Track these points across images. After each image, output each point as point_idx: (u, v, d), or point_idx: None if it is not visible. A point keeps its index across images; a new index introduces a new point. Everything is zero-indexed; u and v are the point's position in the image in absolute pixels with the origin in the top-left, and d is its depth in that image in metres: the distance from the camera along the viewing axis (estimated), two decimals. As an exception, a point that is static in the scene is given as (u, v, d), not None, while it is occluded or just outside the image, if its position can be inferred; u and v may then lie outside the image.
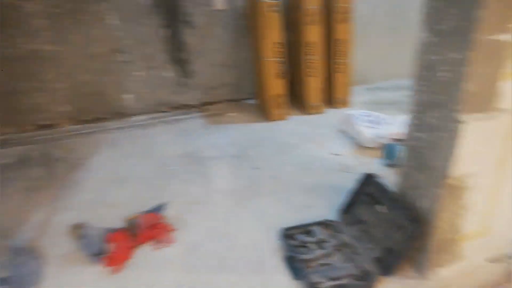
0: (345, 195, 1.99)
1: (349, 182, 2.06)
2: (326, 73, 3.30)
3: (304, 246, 1.84)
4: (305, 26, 3.02)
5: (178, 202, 2.29)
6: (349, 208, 1.95)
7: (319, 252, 1.80)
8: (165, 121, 3.45)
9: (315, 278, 1.65)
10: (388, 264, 1.62)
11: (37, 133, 3.35)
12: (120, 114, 3.52)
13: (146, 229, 2.00)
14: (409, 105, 1.61)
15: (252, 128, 3.21)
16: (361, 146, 2.75)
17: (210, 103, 3.70)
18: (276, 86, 3.17)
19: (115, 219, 2.11)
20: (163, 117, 3.54)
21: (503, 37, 1.23)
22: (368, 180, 1.88)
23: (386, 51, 3.91)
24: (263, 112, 3.41)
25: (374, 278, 1.61)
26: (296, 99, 3.50)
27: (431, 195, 1.52)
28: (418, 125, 1.56)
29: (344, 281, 1.63)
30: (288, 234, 1.90)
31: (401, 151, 2.28)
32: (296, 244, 1.85)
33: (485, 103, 1.34)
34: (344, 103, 3.44)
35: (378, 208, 1.78)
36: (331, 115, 3.30)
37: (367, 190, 1.88)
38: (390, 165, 2.46)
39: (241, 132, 3.14)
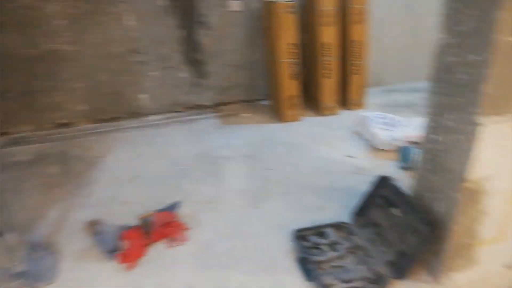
0: (358, 197, 1.97)
1: (363, 185, 2.04)
2: (341, 74, 3.29)
3: (317, 248, 1.83)
4: (321, 27, 3.01)
5: (192, 201, 2.31)
6: (362, 210, 1.94)
7: (331, 254, 1.79)
8: (179, 121, 3.48)
9: (327, 280, 1.64)
10: (402, 267, 1.60)
11: (55, 131, 3.41)
12: (135, 113, 3.56)
13: (160, 227, 2.02)
14: (426, 107, 1.59)
15: (266, 129, 3.21)
16: (375, 149, 2.72)
17: (224, 104, 3.71)
18: (290, 87, 3.17)
19: (129, 216, 2.14)
20: (178, 117, 3.57)
21: (524, 38, 1.21)
22: (383, 182, 1.86)
23: (402, 53, 3.87)
24: (277, 113, 3.41)
25: (387, 281, 1.60)
26: (310, 100, 3.49)
27: (448, 198, 1.50)
28: (435, 127, 1.55)
29: (356, 284, 1.62)
30: (301, 235, 1.89)
31: (416, 154, 2.27)
32: (308, 245, 1.84)
33: (504, 105, 1.31)
34: (358, 105, 3.42)
35: (393, 211, 1.76)
36: (346, 117, 3.29)
37: (382, 192, 1.86)
38: (405, 168, 2.43)
39: (254, 133, 3.15)
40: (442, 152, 1.51)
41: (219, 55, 3.51)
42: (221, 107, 3.68)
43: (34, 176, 2.72)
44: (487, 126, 1.30)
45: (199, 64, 3.52)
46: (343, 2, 3.06)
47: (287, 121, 3.27)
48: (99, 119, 3.51)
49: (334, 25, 3.04)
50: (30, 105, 3.34)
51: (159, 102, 3.58)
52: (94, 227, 2.08)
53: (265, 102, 3.72)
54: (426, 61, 1.90)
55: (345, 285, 1.62)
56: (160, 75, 3.47)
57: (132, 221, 2.10)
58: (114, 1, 3.11)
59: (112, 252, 1.90)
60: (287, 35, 2.98)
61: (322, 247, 1.83)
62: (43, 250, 1.95)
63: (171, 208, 2.21)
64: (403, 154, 2.48)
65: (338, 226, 1.95)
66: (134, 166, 2.77)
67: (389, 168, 2.47)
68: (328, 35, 3.05)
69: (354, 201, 2.01)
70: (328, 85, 3.24)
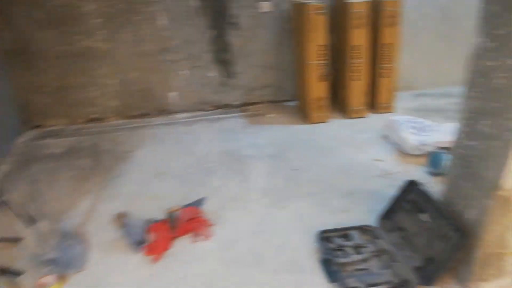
0: (384, 201, 1.95)
1: (390, 189, 2.02)
2: (370, 77, 3.25)
3: (341, 250, 1.82)
4: (352, 29, 2.99)
5: (217, 198, 2.34)
6: (389, 214, 1.91)
7: (356, 256, 1.77)
8: (206, 119, 3.53)
9: (351, 282, 1.63)
10: (429, 273, 1.57)
11: (87, 125, 3.52)
12: (164, 111, 3.63)
13: (185, 222, 2.05)
14: (459, 113, 1.56)
15: (292, 130, 3.21)
16: (404, 153, 2.67)
17: (251, 104, 3.73)
18: (318, 88, 3.16)
19: (156, 210, 2.19)
20: (205, 115, 3.61)
21: None
22: (411, 187, 1.83)
23: (434, 57, 3.78)
24: (304, 114, 3.40)
25: (414, 287, 1.57)
26: (338, 102, 3.47)
27: (480, 206, 1.46)
28: (468, 133, 1.51)
29: (381, 288, 1.60)
30: (325, 237, 1.88)
31: (447, 160, 2.21)
32: (333, 247, 1.83)
33: (543, 112, 1.27)
34: (387, 108, 3.36)
35: (421, 216, 1.73)
36: (374, 120, 3.24)
37: (410, 197, 1.83)
38: (435, 174, 2.38)
39: (280, 133, 3.15)
40: (475, 158, 1.47)
41: (247, 56, 3.54)
42: (248, 107, 3.70)
43: (66, 168, 2.81)
44: (524, 132, 1.27)
45: (227, 64, 3.55)
46: (375, 4, 3.03)
47: (314, 122, 3.26)
48: (129, 115, 3.60)
49: (365, 28, 3.01)
50: (64, 100, 3.46)
51: (187, 100, 3.63)
52: (122, 220, 2.14)
53: (292, 103, 3.71)
54: (459, 65, 1.85)
55: (369, 288, 1.60)
56: (189, 74, 3.53)
57: (159, 215, 2.14)
58: (148, 1, 3.19)
59: (139, 244, 1.95)
60: (317, 37, 2.97)
61: (347, 249, 1.81)
62: (73, 239, 2.01)
63: (197, 204, 2.24)
64: (432, 159, 2.42)
65: (363, 229, 1.93)
66: (161, 162, 2.82)
67: (417, 173, 2.42)
68: (359, 37, 3.02)
69: (379, 205, 1.99)
70: (357, 88, 3.21)
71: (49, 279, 1.75)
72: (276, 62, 3.61)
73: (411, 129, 2.71)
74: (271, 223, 2.10)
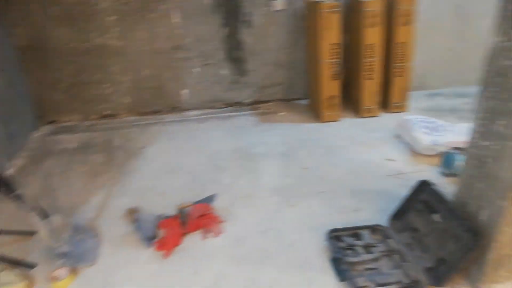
0: (395, 201, 1.93)
1: (401, 189, 2.00)
2: (383, 76, 3.22)
3: (351, 249, 1.81)
4: (366, 28, 2.96)
5: (227, 195, 2.35)
6: (400, 214, 1.89)
7: (366, 256, 1.76)
8: (218, 117, 3.54)
9: (361, 282, 1.62)
10: (440, 274, 1.55)
11: (100, 121, 3.56)
12: (176, 108, 3.66)
13: (196, 218, 2.06)
14: (474, 112, 1.53)
15: (303, 128, 3.20)
16: (416, 153, 2.65)
17: (263, 102, 3.73)
18: (330, 87, 3.14)
19: (167, 206, 2.21)
20: (216, 113, 3.62)
21: None
22: (423, 187, 1.81)
23: (448, 56, 3.73)
24: (315, 112, 3.39)
25: (424, 288, 1.56)
26: (350, 101, 3.45)
27: (493, 207, 1.44)
28: (483, 133, 1.49)
29: (391, 288, 1.59)
30: (335, 236, 1.88)
31: (460, 160, 2.18)
32: (343, 246, 1.82)
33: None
34: (400, 108, 3.33)
35: (433, 216, 1.71)
36: (386, 119, 3.21)
37: (422, 197, 1.81)
38: (447, 174, 2.35)
39: (291, 132, 3.15)
40: (490, 159, 1.45)
41: (260, 54, 3.54)
42: (259, 105, 3.70)
43: (79, 163, 2.85)
44: (541, 133, 1.24)
45: (240, 62, 3.56)
46: (389, 3, 3.00)
47: (326, 121, 3.25)
48: (142, 112, 3.63)
49: (379, 26, 2.98)
50: (78, 96, 3.50)
51: (199, 98, 3.65)
52: (133, 215, 2.16)
53: (304, 102, 3.70)
54: (474, 65, 1.83)
55: (379, 288, 1.59)
56: (201, 71, 3.54)
57: (170, 210, 2.16)
58: (162, -2, 3.22)
59: (150, 239, 1.97)
60: (330, 35, 2.96)
61: (357, 248, 1.80)
62: (85, 233, 2.04)
63: (208, 200, 2.25)
64: (445, 159, 2.40)
65: (373, 229, 1.92)
66: (173, 158, 2.84)
67: (430, 173, 2.40)
68: (373, 36, 3.00)
69: (390, 205, 1.97)
70: (370, 87, 3.18)
71: (61, 272, 1.78)
72: (288, 60, 3.61)
73: (424, 129, 2.68)
74: (281, 221, 2.10)
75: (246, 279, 1.74)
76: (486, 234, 1.47)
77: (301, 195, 2.31)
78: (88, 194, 2.46)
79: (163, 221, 2.05)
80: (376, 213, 2.08)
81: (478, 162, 1.53)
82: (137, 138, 3.21)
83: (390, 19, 3.03)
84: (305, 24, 3.40)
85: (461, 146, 2.38)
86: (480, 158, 1.51)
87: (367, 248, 1.81)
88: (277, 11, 3.36)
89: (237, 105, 3.72)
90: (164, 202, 2.28)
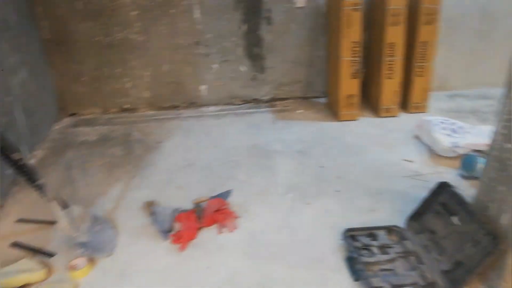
0: (413, 202, 1.91)
1: (419, 190, 1.98)
2: (404, 75, 3.17)
3: (367, 249, 1.80)
4: (388, 26, 2.92)
5: (243, 191, 2.35)
6: (417, 216, 1.87)
7: (381, 256, 1.75)
8: (235, 113, 3.55)
9: (376, 282, 1.61)
10: (457, 278, 1.53)
11: (120, 115, 3.61)
12: (194, 103, 3.68)
13: (212, 213, 2.08)
14: (497, 114, 1.50)
15: (321, 127, 3.18)
16: (436, 154, 2.60)
17: (280, 99, 3.72)
18: (349, 86, 3.11)
19: (183, 200, 2.24)
20: (234, 109, 3.63)
21: None
22: (443, 189, 1.78)
23: (471, 57, 3.65)
24: (333, 111, 3.37)
25: (440, 291, 1.54)
26: (368, 100, 3.41)
27: (515, 210, 1.41)
28: (506, 135, 1.45)
29: (407, 289, 1.57)
30: (351, 235, 1.87)
31: (481, 163, 2.14)
32: (358, 245, 1.81)
33: None
34: (420, 108, 3.28)
35: (452, 219, 1.69)
36: (406, 120, 3.17)
37: (441, 199, 1.78)
38: (467, 177, 2.31)
39: (309, 130, 3.13)
40: (513, 161, 1.42)
41: (279, 51, 3.53)
42: (277, 102, 3.70)
43: (98, 156, 2.91)
44: None
45: (258, 58, 3.55)
46: (413, 1, 2.95)
47: (344, 120, 3.22)
48: (160, 107, 3.67)
49: (401, 25, 2.94)
50: (99, 90, 3.56)
51: (217, 94, 3.67)
52: (150, 208, 2.20)
53: (322, 100, 3.68)
54: (498, 66, 1.79)
55: (394, 289, 1.58)
56: (220, 67, 3.55)
57: (186, 204, 2.18)
58: (184, -6, 3.24)
59: (166, 232, 2.00)
60: (351, 33, 2.93)
61: (372, 248, 1.79)
62: (103, 224, 2.08)
63: (224, 196, 2.27)
64: (465, 162, 2.35)
65: (390, 230, 1.90)
66: (190, 153, 2.86)
67: (449, 175, 2.36)
68: (395, 34, 2.95)
69: (407, 206, 1.95)
70: (390, 86, 3.14)
71: (80, 261, 1.82)
72: (307, 58, 3.59)
73: (444, 130, 2.63)
74: (296, 219, 2.10)
75: (260, 275, 1.75)
76: (506, 238, 1.44)
77: (317, 193, 2.31)
78: (107, 186, 2.50)
79: (180, 214, 2.08)
80: (392, 214, 2.06)
81: (500, 165, 1.49)
82: (155, 132, 3.25)
83: (413, 17, 2.98)
84: (326, 21, 3.38)
85: (482, 148, 2.33)
86: (502, 161, 1.48)
87: (383, 248, 1.79)
88: (298, 8, 3.35)
89: (255, 102, 3.72)
90: (180, 196, 2.31)
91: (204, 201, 2.19)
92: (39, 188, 1.81)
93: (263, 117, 3.45)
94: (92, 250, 1.91)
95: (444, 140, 2.55)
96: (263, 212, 2.17)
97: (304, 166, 2.61)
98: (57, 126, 3.42)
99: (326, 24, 3.40)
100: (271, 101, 3.72)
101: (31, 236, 2.05)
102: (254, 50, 3.51)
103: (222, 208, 2.13)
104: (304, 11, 3.37)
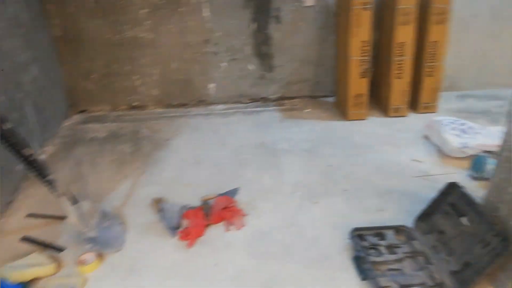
0: (421, 203, 1.89)
1: (427, 190, 1.97)
2: (414, 75, 3.15)
3: (374, 249, 1.79)
4: (398, 25, 2.91)
5: (250, 189, 2.36)
6: (426, 216, 1.86)
7: (389, 256, 1.75)
8: (243, 112, 3.55)
9: (383, 281, 1.60)
10: (466, 278, 1.52)
11: (128, 112, 3.64)
12: (202, 101, 3.69)
13: (220, 210, 2.09)
14: (508, 115, 1.49)
15: (329, 126, 3.17)
16: (445, 155, 2.59)
17: (288, 98, 3.72)
18: (358, 85, 3.10)
19: (191, 197, 2.25)
20: (242, 107, 3.64)
21: None
22: (452, 189, 1.77)
23: (482, 57, 3.61)
24: (341, 110, 3.36)
25: (449, 292, 1.53)
26: (378, 100, 3.39)
27: (525, 212, 1.39)
28: (516, 135, 1.44)
29: (414, 289, 1.57)
30: (358, 234, 1.86)
31: (491, 164, 2.13)
32: (366, 245, 1.81)
33: None
34: (429, 108, 3.25)
35: (461, 219, 1.67)
36: (414, 120, 3.15)
37: (450, 200, 1.77)
38: (477, 178, 2.29)
39: (317, 129, 3.13)
40: (523, 162, 1.41)
41: (287, 50, 3.52)
42: (285, 101, 3.70)
43: (107, 152, 2.93)
44: None
45: (267, 57, 3.56)
46: (424, 0, 2.93)
47: (352, 119, 3.21)
48: (169, 104, 3.69)
49: (411, 24, 2.92)
50: (109, 87, 3.59)
51: (225, 92, 3.67)
52: (158, 204, 2.21)
53: (330, 99, 3.67)
54: (509, 67, 1.77)
55: (402, 289, 1.57)
56: (229, 66, 3.56)
57: (194, 202, 2.19)
58: (194, -8, 3.25)
59: (174, 229, 2.01)
60: (361, 32, 2.92)
61: (380, 248, 1.79)
62: (112, 220, 2.10)
63: (231, 193, 2.27)
64: (475, 162, 2.33)
65: (398, 229, 1.89)
66: (197, 151, 2.88)
67: (458, 176, 2.33)
68: (405, 34, 2.94)
69: (416, 206, 1.94)
70: (399, 86, 3.12)
71: (89, 256, 1.84)
72: (316, 57, 3.58)
73: (453, 131, 2.61)
74: (304, 217, 2.10)
75: (267, 273, 1.76)
76: (516, 239, 1.43)
77: (325, 192, 2.30)
78: (116, 182, 2.52)
79: (187, 211, 2.09)
80: (400, 213, 2.05)
81: (510, 166, 1.48)
82: (163, 130, 3.26)
83: (424, 17, 2.96)
84: (336, 20, 3.37)
85: (492, 149, 2.31)
86: (513, 162, 1.47)
87: (391, 248, 1.79)
88: (307, 7, 3.34)
89: (263, 100, 3.72)
90: (188, 193, 2.32)
91: (212, 198, 2.20)
92: (49, 183, 1.83)
93: (271, 115, 3.45)
94: (101, 245, 1.93)
95: (454, 140, 2.53)
96: (271, 210, 2.17)
97: (312, 165, 2.61)
98: (67, 123, 3.46)
99: (335, 23, 3.39)
100: (279, 100, 3.72)
101: (41, 230, 2.08)
102: (263, 49, 3.51)
103: (230, 206, 2.14)
104: (313, 10, 3.37)
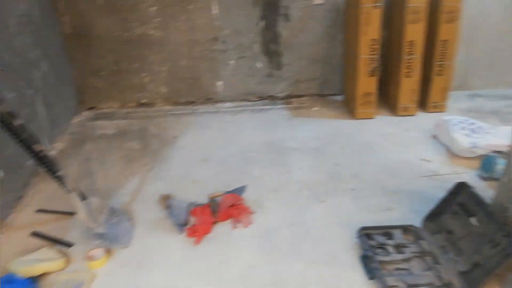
0: (430, 202, 1.88)
1: (436, 190, 1.96)
2: (423, 74, 3.12)
3: (382, 248, 1.78)
4: (408, 24, 2.88)
5: (258, 187, 2.36)
6: (434, 216, 1.85)
7: (397, 256, 1.74)
8: (251, 110, 3.55)
9: (391, 281, 1.60)
10: (474, 279, 1.51)
11: (137, 109, 3.66)
12: (210, 99, 3.70)
13: (227, 208, 2.09)
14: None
15: (337, 124, 3.16)
16: (454, 155, 2.57)
17: (296, 96, 3.72)
18: (367, 83, 3.09)
19: (198, 194, 2.26)
20: (250, 105, 3.64)
21: None
22: (461, 189, 1.76)
23: (493, 57, 3.57)
24: (349, 109, 3.35)
25: (457, 292, 1.52)
26: (386, 99, 3.38)
27: (536, 212, 1.38)
28: (528, 135, 1.43)
29: (422, 289, 1.56)
30: (366, 233, 1.85)
31: (501, 164, 2.11)
32: (373, 244, 1.80)
33: None
34: (439, 108, 3.23)
35: (470, 220, 1.66)
36: (424, 119, 3.13)
37: (459, 200, 1.76)
38: (486, 178, 2.27)
39: (324, 127, 3.12)
40: (535, 162, 1.39)
41: (296, 48, 3.52)
42: (292, 99, 3.69)
43: (116, 149, 2.95)
44: None
45: (275, 55, 3.55)
46: (434, -2, 2.91)
47: (360, 118, 3.20)
48: (177, 102, 3.70)
49: (421, 23, 2.89)
50: (118, 84, 3.61)
51: (233, 90, 3.68)
52: (166, 201, 2.22)
53: (338, 98, 3.66)
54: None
55: (409, 289, 1.56)
56: (237, 64, 3.56)
57: (201, 199, 2.20)
58: (202, -10, 3.25)
59: (182, 226, 2.02)
60: (370, 30, 2.90)
61: (388, 247, 1.78)
62: (120, 216, 2.11)
63: (238, 191, 2.28)
64: (485, 162, 2.31)
65: (406, 229, 1.88)
66: (205, 148, 2.88)
67: (467, 176, 2.32)
68: (415, 32, 2.91)
69: (424, 206, 1.93)
70: (408, 85, 3.10)
71: (97, 252, 1.85)
72: (324, 55, 3.57)
73: (463, 130, 2.59)
74: (311, 216, 2.10)
75: (274, 271, 1.76)
76: (526, 241, 1.41)
77: (332, 191, 2.30)
78: (124, 179, 2.54)
79: (195, 208, 2.09)
80: (408, 213, 2.04)
81: (521, 166, 1.47)
82: (171, 127, 3.28)
83: (434, 15, 2.93)
84: (345, 18, 3.35)
85: (502, 149, 2.29)
86: (524, 162, 1.45)
87: (399, 248, 1.78)
88: (316, 5, 3.33)
89: (271, 98, 3.72)
90: (196, 190, 2.33)
91: (219, 196, 2.21)
92: (59, 179, 1.85)
93: (279, 114, 3.45)
94: (109, 241, 1.94)
95: (463, 140, 2.51)
96: (278, 209, 2.17)
97: (319, 164, 2.60)
98: (76, 119, 3.48)
99: (344, 21, 3.38)
100: (287, 98, 3.71)
101: (50, 226, 2.10)
102: (271, 47, 3.51)
103: (237, 203, 2.14)
104: (322, 8, 3.35)
